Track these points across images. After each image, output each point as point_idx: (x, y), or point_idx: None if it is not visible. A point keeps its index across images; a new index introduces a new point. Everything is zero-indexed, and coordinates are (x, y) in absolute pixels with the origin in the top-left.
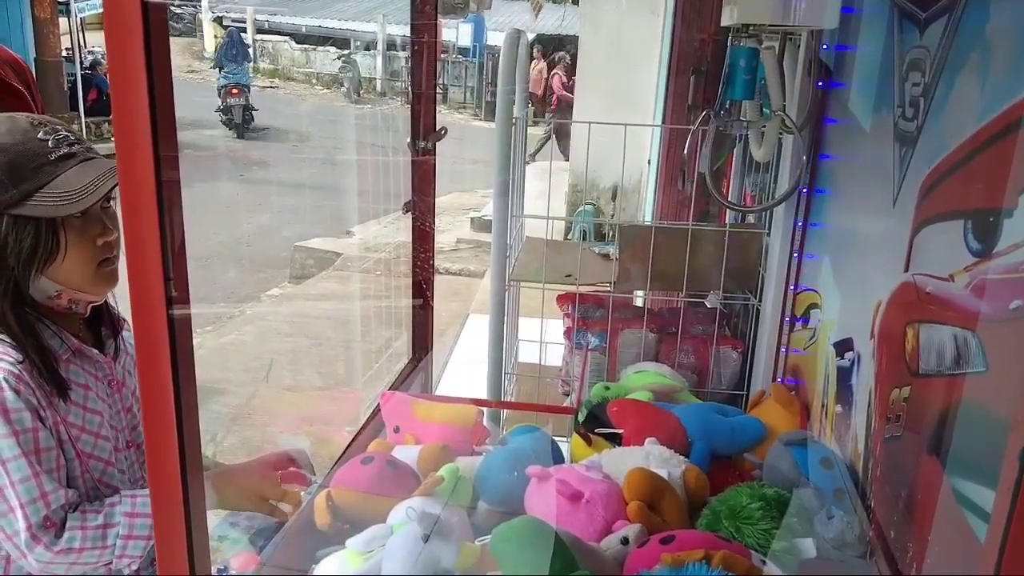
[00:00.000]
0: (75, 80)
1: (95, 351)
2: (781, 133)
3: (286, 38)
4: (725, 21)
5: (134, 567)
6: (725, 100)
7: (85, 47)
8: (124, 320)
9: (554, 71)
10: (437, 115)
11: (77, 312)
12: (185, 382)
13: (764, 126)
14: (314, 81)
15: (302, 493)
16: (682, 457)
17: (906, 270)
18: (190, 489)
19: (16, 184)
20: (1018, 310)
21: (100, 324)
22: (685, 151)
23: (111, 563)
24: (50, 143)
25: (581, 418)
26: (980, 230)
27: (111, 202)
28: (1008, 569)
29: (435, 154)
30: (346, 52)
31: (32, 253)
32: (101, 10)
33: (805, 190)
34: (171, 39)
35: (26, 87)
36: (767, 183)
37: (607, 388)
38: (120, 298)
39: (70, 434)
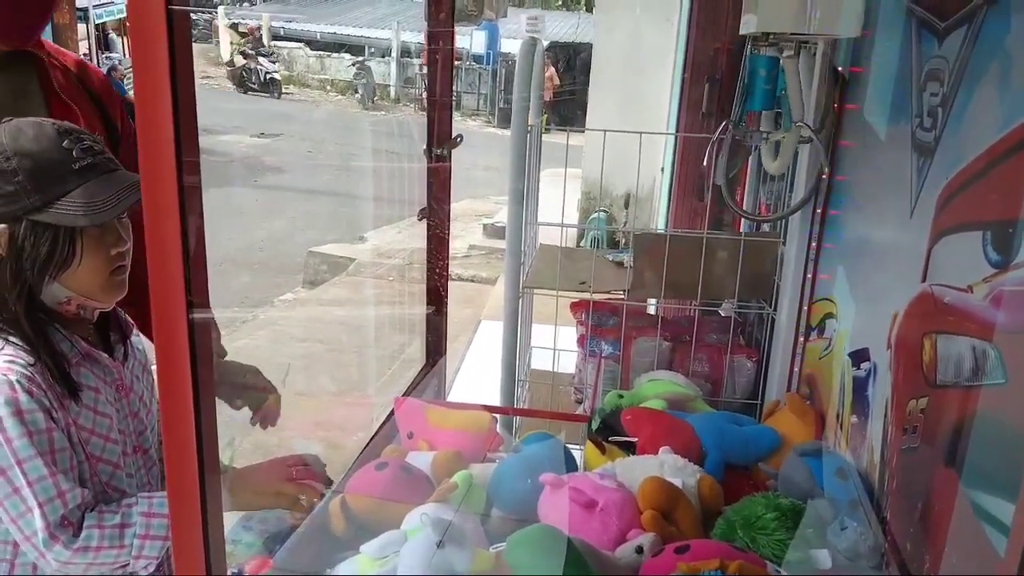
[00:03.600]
0: None
1: (104, 355)
2: (799, 144)
3: (301, 44)
4: (744, 30)
5: (151, 568)
6: (743, 110)
7: (103, 52)
8: (132, 324)
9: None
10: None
11: (85, 317)
12: (204, 385)
13: (783, 137)
14: (329, 88)
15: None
16: (696, 467)
17: (923, 280)
18: (207, 491)
19: (38, 190)
20: None
21: (108, 328)
22: (704, 162)
23: (128, 564)
24: (74, 152)
25: (594, 426)
26: (999, 241)
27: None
28: None
29: (450, 161)
30: (360, 59)
31: (48, 259)
32: (119, 16)
33: (822, 200)
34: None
35: (104, 119)
36: (782, 192)
37: (621, 396)
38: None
39: (80, 437)
